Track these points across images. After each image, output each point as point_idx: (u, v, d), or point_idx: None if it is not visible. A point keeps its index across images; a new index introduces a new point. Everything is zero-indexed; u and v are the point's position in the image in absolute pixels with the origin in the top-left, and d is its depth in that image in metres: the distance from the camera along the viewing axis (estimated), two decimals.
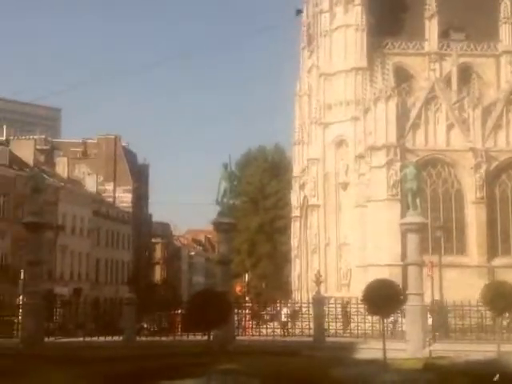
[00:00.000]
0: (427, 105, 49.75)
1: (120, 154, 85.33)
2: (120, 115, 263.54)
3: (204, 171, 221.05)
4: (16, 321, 25.87)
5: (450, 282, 37.81)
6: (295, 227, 63.19)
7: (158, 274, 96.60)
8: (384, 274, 35.94)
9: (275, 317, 33.91)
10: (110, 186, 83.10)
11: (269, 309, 37.11)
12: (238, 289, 46.99)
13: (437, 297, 33.29)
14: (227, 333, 22.61)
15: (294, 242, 63.60)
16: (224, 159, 26.33)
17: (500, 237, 48.56)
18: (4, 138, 71.35)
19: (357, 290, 32.34)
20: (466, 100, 50.73)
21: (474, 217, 48.26)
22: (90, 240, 70.00)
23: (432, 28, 55.71)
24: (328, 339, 24.70)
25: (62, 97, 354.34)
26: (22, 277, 31.41)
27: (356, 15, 53.90)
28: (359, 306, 23.24)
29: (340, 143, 54.25)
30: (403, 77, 54.59)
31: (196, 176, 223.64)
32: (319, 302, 25.81)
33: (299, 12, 64.69)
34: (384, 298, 17.86)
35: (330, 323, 25.75)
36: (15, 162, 58.60)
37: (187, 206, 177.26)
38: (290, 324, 30.88)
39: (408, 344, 22.52)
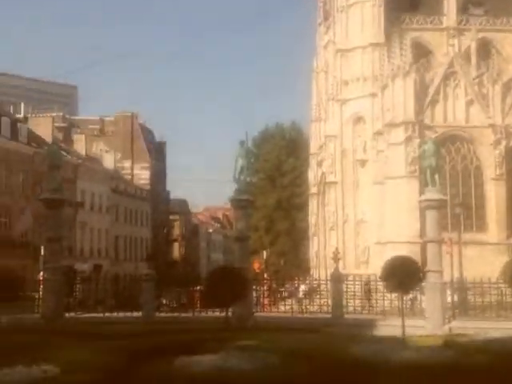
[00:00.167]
0: (446, 80, 49.34)
1: (137, 131, 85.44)
2: (138, 93, 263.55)
3: (222, 148, 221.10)
4: (37, 297, 26.12)
5: (469, 260, 37.67)
6: (313, 204, 63.15)
7: (177, 250, 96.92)
8: (402, 251, 35.79)
9: (293, 294, 33.95)
10: (127, 164, 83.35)
11: (287, 286, 37.18)
12: (256, 266, 47.00)
13: (456, 274, 33.16)
14: (245, 309, 22.70)
15: (311, 220, 63.59)
16: (241, 136, 26.32)
17: None
18: (22, 116, 71.58)
19: (375, 267, 32.38)
20: (486, 76, 50.22)
21: (493, 193, 47.99)
22: (109, 217, 70.36)
23: (451, 2, 55.05)
24: (346, 316, 24.71)
25: (80, 75, 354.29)
26: (42, 253, 31.63)
27: None
28: (378, 282, 23.25)
29: (357, 120, 53.96)
30: (421, 52, 54.05)
31: (214, 153, 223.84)
32: (337, 279, 25.80)
33: None
34: (404, 275, 17.83)
35: (348, 300, 25.74)
36: (33, 139, 58.82)
37: (205, 183, 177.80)
38: (306, 301, 30.89)
39: (427, 321, 22.48)
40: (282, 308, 27.81)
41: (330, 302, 25.69)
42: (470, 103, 49.04)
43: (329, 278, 27.04)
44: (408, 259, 19.40)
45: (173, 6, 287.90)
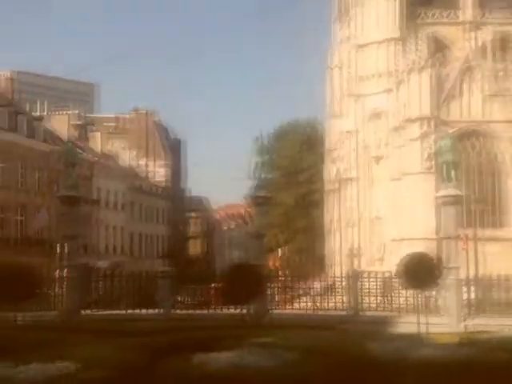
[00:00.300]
0: (462, 75, 48.99)
1: (152, 129, 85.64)
2: (154, 92, 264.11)
3: (240, 146, 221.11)
4: (53, 294, 26.20)
5: (490, 256, 37.37)
6: (329, 201, 62.94)
7: (194, 248, 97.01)
8: (419, 247, 35.57)
9: (309, 291, 33.81)
10: (143, 161, 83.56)
11: (302, 283, 37.02)
12: (271, 263, 46.96)
13: (474, 271, 32.90)
14: (261, 306, 22.66)
15: (327, 216, 63.37)
16: (257, 133, 26.27)
17: None
18: (39, 114, 71.94)
19: (391, 263, 32.16)
20: (503, 70, 49.79)
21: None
22: (126, 214, 70.53)
23: None
24: (363, 313, 24.58)
25: (96, 72, 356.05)
26: (58, 251, 31.74)
27: None
28: (394, 280, 23.08)
29: (374, 115, 53.71)
30: (437, 47, 53.73)
31: (233, 151, 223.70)
32: (354, 275, 25.68)
33: None
34: (422, 272, 17.68)
35: (364, 297, 25.60)
36: (50, 137, 59.11)
37: (223, 180, 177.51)
38: (322, 298, 30.75)
39: (444, 318, 22.32)
40: (298, 305, 27.69)
41: (345, 299, 25.57)
42: (486, 98, 48.62)
43: (344, 275, 26.92)
44: (426, 256, 19.25)
45: (190, 4, 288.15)
